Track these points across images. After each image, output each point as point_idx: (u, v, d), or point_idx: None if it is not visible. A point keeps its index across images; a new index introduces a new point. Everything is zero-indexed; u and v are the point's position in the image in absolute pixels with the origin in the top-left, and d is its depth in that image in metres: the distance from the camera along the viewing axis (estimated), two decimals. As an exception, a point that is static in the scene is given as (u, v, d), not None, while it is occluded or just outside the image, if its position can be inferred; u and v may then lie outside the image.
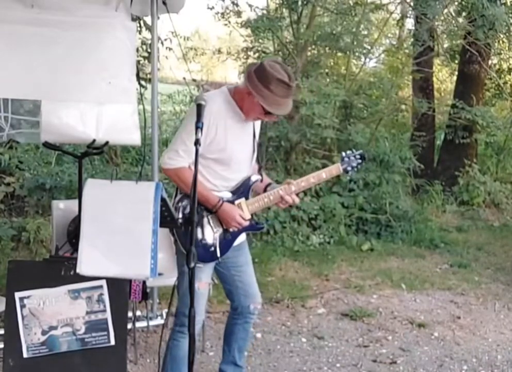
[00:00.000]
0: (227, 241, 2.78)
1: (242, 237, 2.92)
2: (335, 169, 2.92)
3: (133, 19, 3.87)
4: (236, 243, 2.86)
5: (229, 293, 3.02)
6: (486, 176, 8.49)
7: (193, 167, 2.63)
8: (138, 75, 4.11)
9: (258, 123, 2.92)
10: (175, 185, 2.79)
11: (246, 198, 2.80)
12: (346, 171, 2.93)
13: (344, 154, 2.95)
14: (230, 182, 2.78)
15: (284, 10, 8.06)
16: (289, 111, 2.73)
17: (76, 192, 3.81)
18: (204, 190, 2.65)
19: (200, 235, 2.71)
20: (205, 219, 2.74)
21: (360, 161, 2.94)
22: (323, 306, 4.66)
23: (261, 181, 2.90)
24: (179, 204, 2.73)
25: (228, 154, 2.69)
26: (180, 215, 2.70)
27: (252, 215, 2.83)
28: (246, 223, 2.77)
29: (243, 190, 2.80)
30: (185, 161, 2.66)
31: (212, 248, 2.75)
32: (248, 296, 2.97)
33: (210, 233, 2.75)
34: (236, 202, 2.77)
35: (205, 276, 2.77)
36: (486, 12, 6.83)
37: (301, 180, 2.86)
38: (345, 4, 7.99)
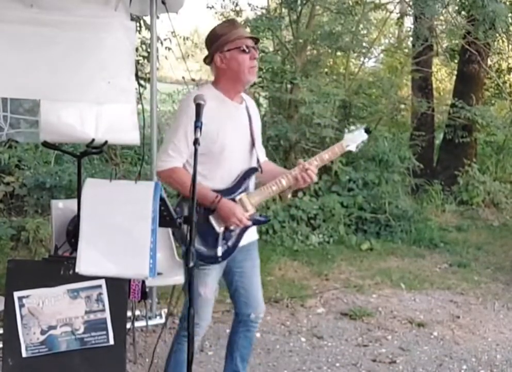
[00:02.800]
0: (231, 240, 2.66)
1: (250, 237, 2.79)
2: (338, 147, 2.76)
3: (132, 19, 3.87)
4: (243, 243, 2.72)
5: (232, 297, 2.91)
6: (485, 176, 8.50)
7: (187, 167, 2.62)
8: (137, 74, 4.10)
9: (254, 114, 2.80)
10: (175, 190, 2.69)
11: (247, 192, 2.68)
12: (350, 147, 2.79)
13: (346, 130, 2.82)
14: (228, 177, 2.65)
15: (283, 9, 8.07)
16: (251, 35, 2.71)
17: (75, 191, 3.81)
18: (199, 188, 2.47)
19: (203, 236, 2.59)
20: (207, 219, 2.62)
21: (365, 137, 2.80)
22: (322, 305, 4.66)
23: (262, 172, 2.77)
24: (177, 209, 2.65)
25: (220, 144, 2.58)
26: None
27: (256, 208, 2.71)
28: (247, 222, 2.64)
29: (242, 183, 2.67)
30: (176, 161, 2.58)
31: (215, 249, 2.62)
32: (250, 305, 2.84)
33: (213, 233, 2.62)
34: (237, 198, 2.65)
35: (211, 280, 2.68)
36: (487, 9, 6.83)
37: (308, 162, 2.70)
38: (345, 3, 7.99)
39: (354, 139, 2.79)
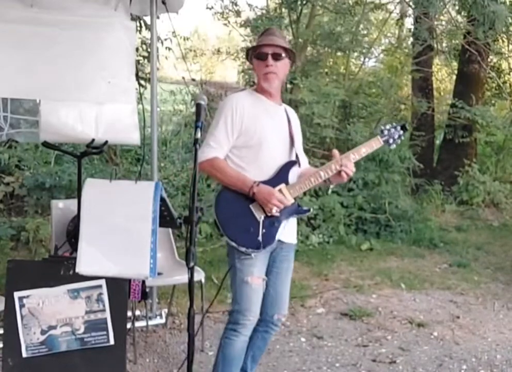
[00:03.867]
0: (272, 228, 2.68)
1: (291, 238, 2.83)
2: (375, 142, 2.78)
3: (132, 19, 3.87)
4: (284, 238, 2.76)
5: None
6: (485, 176, 8.51)
7: (228, 160, 2.69)
8: (137, 74, 4.10)
9: (294, 121, 2.88)
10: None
11: (286, 184, 2.71)
12: (387, 143, 2.80)
13: (382, 127, 2.83)
14: (267, 170, 2.70)
15: (283, 9, 8.08)
16: (273, 42, 2.71)
17: (75, 191, 3.81)
18: (238, 175, 2.65)
19: (244, 224, 2.64)
20: (248, 208, 2.65)
21: (401, 132, 2.80)
22: (322, 305, 4.66)
23: (300, 165, 2.82)
24: (218, 198, 2.70)
25: (258, 137, 2.67)
26: (222, 213, 2.66)
27: (295, 199, 2.72)
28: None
29: (281, 175, 2.71)
30: (217, 151, 2.65)
31: (257, 237, 2.65)
32: (275, 306, 2.85)
33: (254, 222, 2.65)
34: (276, 188, 2.67)
35: (257, 270, 2.68)
36: (487, 10, 6.84)
37: (344, 155, 2.74)
38: (345, 3, 8.00)
39: (391, 134, 2.80)
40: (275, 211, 2.65)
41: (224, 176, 2.65)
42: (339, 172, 2.70)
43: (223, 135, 2.65)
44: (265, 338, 2.94)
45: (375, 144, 2.77)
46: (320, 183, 2.77)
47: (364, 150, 2.74)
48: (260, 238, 2.65)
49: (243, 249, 2.64)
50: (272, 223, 2.68)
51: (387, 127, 2.81)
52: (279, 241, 2.73)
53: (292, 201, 2.71)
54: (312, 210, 2.99)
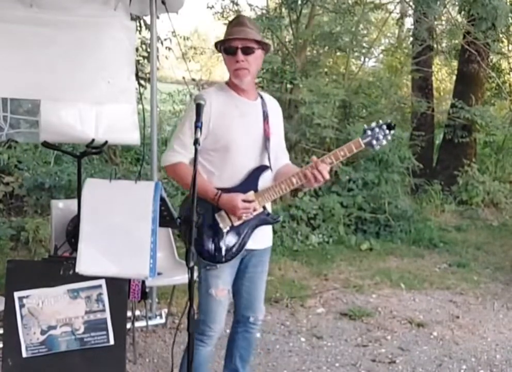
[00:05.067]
0: (238, 239, 2.56)
1: (265, 243, 2.75)
2: (355, 144, 2.54)
3: (132, 19, 3.87)
4: (257, 246, 2.66)
5: (233, 297, 2.83)
6: (485, 176, 8.50)
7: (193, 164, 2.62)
8: (137, 74, 4.10)
9: (273, 113, 2.73)
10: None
11: (255, 191, 2.57)
12: (369, 144, 2.55)
13: (366, 126, 2.58)
14: (236, 175, 2.57)
15: (283, 9, 8.07)
16: (243, 35, 2.50)
17: (75, 191, 3.81)
18: (202, 184, 2.46)
19: (209, 235, 2.54)
20: (213, 218, 2.55)
21: (387, 132, 2.55)
22: (322, 305, 4.66)
23: (272, 170, 2.65)
24: (184, 205, 2.63)
25: (226, 139, 2.52)
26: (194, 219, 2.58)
27: (264, 207, 2.59)
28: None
29: (250, 181, 2.57)
30: (182, 156, 2.54)
31: (220, 248, 2.55)
32: (249, 308, 2.81)
33: (219, 232, 2.55)
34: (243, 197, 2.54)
35: (221, 281, 2.61)
36: (489, 7, 6.83)
37: (321, 159, 2.56)
38: (344, 3, 8.00)
39: (375, 134, 2.56)
40: (245, 217, 2.54)
41: (186, 185, 2.44)
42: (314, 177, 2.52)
43: (188, 138, 2.48)
44: (246, 337, 2.89)
45: (355, 146, 2.55)
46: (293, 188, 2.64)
47: (342, 154, 2.54)
48: (223, 250, 2.55)
49: (206, 260, 2.55)
50: (238, 234, 2.57)
51: (372, 126, 2.57)
52: (249, 249, 2.64)
53: (261, 209, 2.59)
54: (281, 218, 2.87)
